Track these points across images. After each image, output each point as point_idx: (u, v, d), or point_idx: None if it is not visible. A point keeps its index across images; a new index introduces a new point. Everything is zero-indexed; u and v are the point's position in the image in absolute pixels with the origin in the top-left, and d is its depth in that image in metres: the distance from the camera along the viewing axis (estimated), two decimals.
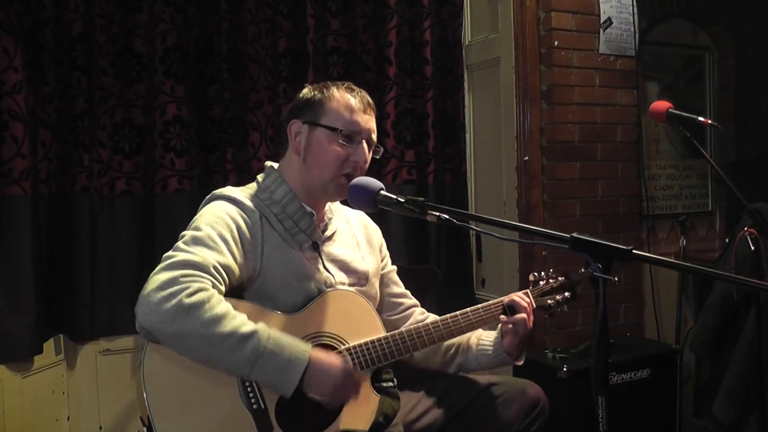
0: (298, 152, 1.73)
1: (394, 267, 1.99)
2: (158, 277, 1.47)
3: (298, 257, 1.68)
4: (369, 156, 1.75)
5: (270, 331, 1.50)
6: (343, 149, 1.69)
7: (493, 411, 1.77)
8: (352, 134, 1.71)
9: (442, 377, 1.90)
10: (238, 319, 1.49)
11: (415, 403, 1.82)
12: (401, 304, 1.94)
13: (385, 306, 1.91)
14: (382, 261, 1.94)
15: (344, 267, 1.78)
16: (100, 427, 2.71)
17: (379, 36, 3.02)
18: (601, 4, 3.10)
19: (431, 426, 1.79)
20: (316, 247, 1.74)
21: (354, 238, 1.87)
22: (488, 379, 1.88)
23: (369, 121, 1.75)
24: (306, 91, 1.78)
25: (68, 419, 2.64)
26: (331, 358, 1.56)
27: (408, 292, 1.98)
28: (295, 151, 1.74)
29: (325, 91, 1.74)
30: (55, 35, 2.52)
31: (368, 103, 1.76)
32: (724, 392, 2.77)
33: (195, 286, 1.46)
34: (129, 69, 2.68)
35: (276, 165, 1.80)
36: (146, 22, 2.68)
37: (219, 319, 1.45)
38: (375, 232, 1.95)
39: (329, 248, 1.78)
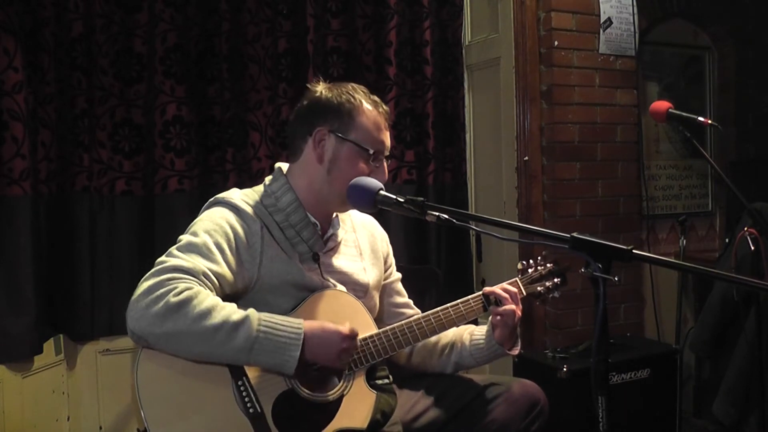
0: (321, 161, 1.70)
1: (399, 275, 1.98)
2: (146, 283, 1.47)
3: (297, 268, 1.67)
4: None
5: (260, 314, 1.51)
6: (368, 167, 1.68)
7: (493, 411, 1.76)
8: (377, 153, 1.70)
9: (442, 377, 1.90)
10: (227, 309, 1.48)
11: (414, 402, 1.82)
12: (403, 313, 1.92)
13: (386, 315, 1.91)
14: (386, 270, 1.93)
15: (343, 279, 1.76)
16: (100, 427, 2.71)
17: (379, 36, 3.02)
18: (601, 4, 3.11)
19: (430, 425, 1.79)
20: (316, 259, 1.72)
21: (357, 248, 1.85)
22: (488, 378, 1.88)
23: (389, 137, 1.75)
24: (328, 94, 1.72)
25: (68, 419, 2.64)
26: (326, 325, 1.56)
27: (410, 302, 1.97)
28: (317, 158, 1.70)
29: (352, 100, 1.70)
30: (55, 35, 2.52)
31: (390, 118, 1.77)
32: (724, 392, 2.77)
33: (181, 286, 1.47)
34: (129, 69, 2.67)
35: (285, 167, 1.78)
36: (146, 22, 2.68)
37: (208, 312, 1.45)
38: (382, 240, 1.94)
39: (330, 260, 1.76)
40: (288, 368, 1.49)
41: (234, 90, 2.81)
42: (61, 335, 2.61)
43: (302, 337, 1.50)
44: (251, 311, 1.51)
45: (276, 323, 1.50)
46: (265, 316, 1.51)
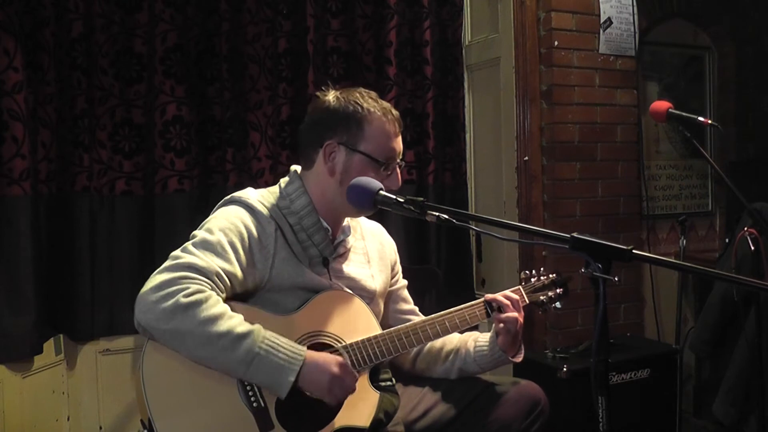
0: (333, 174, 1.70)
1: (405, 282, 1.99)
2: (159, 277, 1.49)
3: (306, 272, 1.68)
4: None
5: (266, 332, 1.51)
6: (379, 176, 1.69)
7: (494, 411, 1.77)
8: (388, 161, 1.71)
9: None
10: (235, 320, 1.49)
11: (416, 402, 1.82)
12: (408, 320, 1.91)
13: (391, 321, 1.90)
14: (393, 278, 1.93)
15: (351, 285, 1.76)
16: (100, 427, 2.71)
17: (379, 36, 3.02)
18: (601, 4, 3.11)
19: (432, 425, 1.79)
20: (326, 264, 1.73)
21: (366, 255, 1.86)
22: (489, 379, 1.88)
23: (400, 142, 1.76)
24: (336, 104, 1.71)
25: (68, 419, 2.64)
26: (325, 357, 1.56)
27: (416, 309, 1.98)
28: (329, 171, 1.70)
29: (360, 109, 1.69)
30: (55, 35, 2.52)
31: (400, 123, 1.76)
32: (724, 392, 2.77)
33: (193, 287, 1.47)
34: (129, 69, 2.67)
35: (299, 170, 1.78)
36: (146, 22, 2.67)
37: (215, 318, 1.46)
38: (390, 248, 1.95)
39: (339, 265, 1.77)
40: (282, 391, 1.49)
41: (234, 90, 2.81)
42: (61, 335, 2.61)
43: (302, 362, 1.50)
44: (257, 327, 1.51)
45: (279, 344, 1.50)
46: (270, 335, 1.51)
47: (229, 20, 2.78)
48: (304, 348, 1.54)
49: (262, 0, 2.84)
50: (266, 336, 1.50)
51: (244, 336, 1.47)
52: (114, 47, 2.65)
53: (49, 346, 2.54)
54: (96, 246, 2.62)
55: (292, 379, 1.48)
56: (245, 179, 2.80)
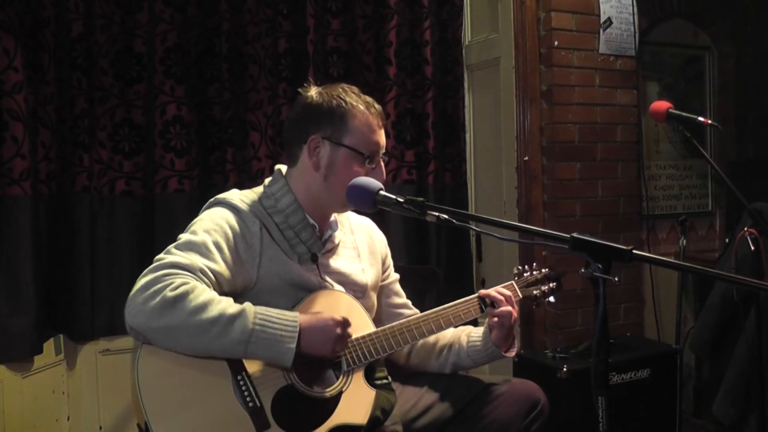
0: (318, 168, 1.70)
1: (397, 276, 1.99)
2: (143, 280, 1.49)
3: (296, 269, 1.68)
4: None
5: (256, 308, 1.52)
6: (364, 170, 1.69)
7: (493, 410, 1.77)
8: (373, 154, 1.71)
9: (443, 376, 1.90)
10: (224, 303, 1.50)
11: (415, 401, 1.82)
12: (401, 314, 1.93)
13: (384, 315, 1.91)
14: (384, 272, 1.94)
15: (341, 280, 1.77)
16: (100, 427, 2.72)
17: (379, 36, 3.02)
18: (601, 4, 3.11)
19: (431, 425, 1.79)
20: (315, 260, 1.73)
21: (356, 249, 1.86)
22: (488, 378, 1.89)
23: (383, 136, 1.75)
24: (318, 99, 1.71)
25: (68, 419, 2.64)
26: (321, 317, 1.57)
27: (408, 302, 1.98)
28: (314, 167, 1.70)
29: (343, 104, 1.69)
30: (55, 35, 2.52)
31: (383, 117, 1.76)
32: (724, 392, 2.77)
33: (178, 281, 1.48)
34: (129, 69, 2.68)
35: (284, 168, 1.78)
36: (146, 22, 2.68)
37: (204, 306, 1.46)
38: (380, 242, 1.95)
39: (328, 261, 1.77)
40: (285, 360, 1.50)
41: (234, 90, 2.81)
42: (61, 335, 2.61)
43: (298, 329, 1.51)
44: (247, 305, 1.52)
45: (272, 316, 1.51)
46: (261, 309, 1.52)
47: (229, 20, 2.78)
48: (297, 314, 1.55)
49: (262, 0, 2.84)
50: (258, 311, 1.51)
51: (236, 316, 1.48)
52: (114, 47, 2.65)
53: (49, 346, 2.55)
54: (96, 246, 2.62)
55: (293, 346, 1.49)
56: (245, 179, 2.80)
